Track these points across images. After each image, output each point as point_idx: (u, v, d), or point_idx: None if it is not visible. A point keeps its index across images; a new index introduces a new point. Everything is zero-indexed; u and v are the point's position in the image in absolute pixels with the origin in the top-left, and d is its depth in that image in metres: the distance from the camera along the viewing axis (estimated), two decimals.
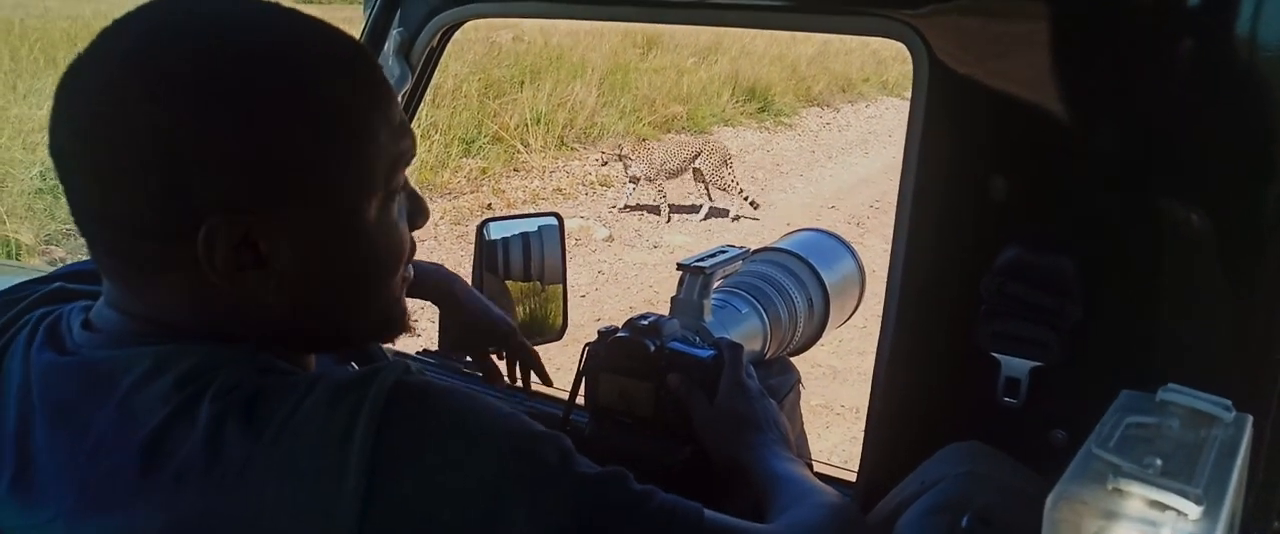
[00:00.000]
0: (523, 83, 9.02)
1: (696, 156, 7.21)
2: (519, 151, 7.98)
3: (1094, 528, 0.50)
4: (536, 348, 1.20)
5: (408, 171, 0.68)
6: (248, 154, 0.59)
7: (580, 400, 1.09)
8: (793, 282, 1.25)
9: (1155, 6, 0.79)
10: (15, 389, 0.65)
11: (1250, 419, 0.58)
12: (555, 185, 7.48)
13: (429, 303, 1.16)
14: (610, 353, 1.04)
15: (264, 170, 0.59)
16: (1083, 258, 0.83)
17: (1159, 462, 0.51)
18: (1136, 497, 0.49)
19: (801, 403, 1.28)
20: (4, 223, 5.33)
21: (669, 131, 9.29)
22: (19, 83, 7.04)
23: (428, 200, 0.70)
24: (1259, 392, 0.77)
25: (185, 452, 0.57)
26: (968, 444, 0.86)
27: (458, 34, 1.36)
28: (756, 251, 1.29)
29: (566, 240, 1.32)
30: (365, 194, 0.63)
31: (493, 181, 7.51)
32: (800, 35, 12.74)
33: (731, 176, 7.21)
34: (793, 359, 1.31)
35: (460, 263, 5.51)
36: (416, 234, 0.72)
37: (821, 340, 1.33)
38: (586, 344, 1.07)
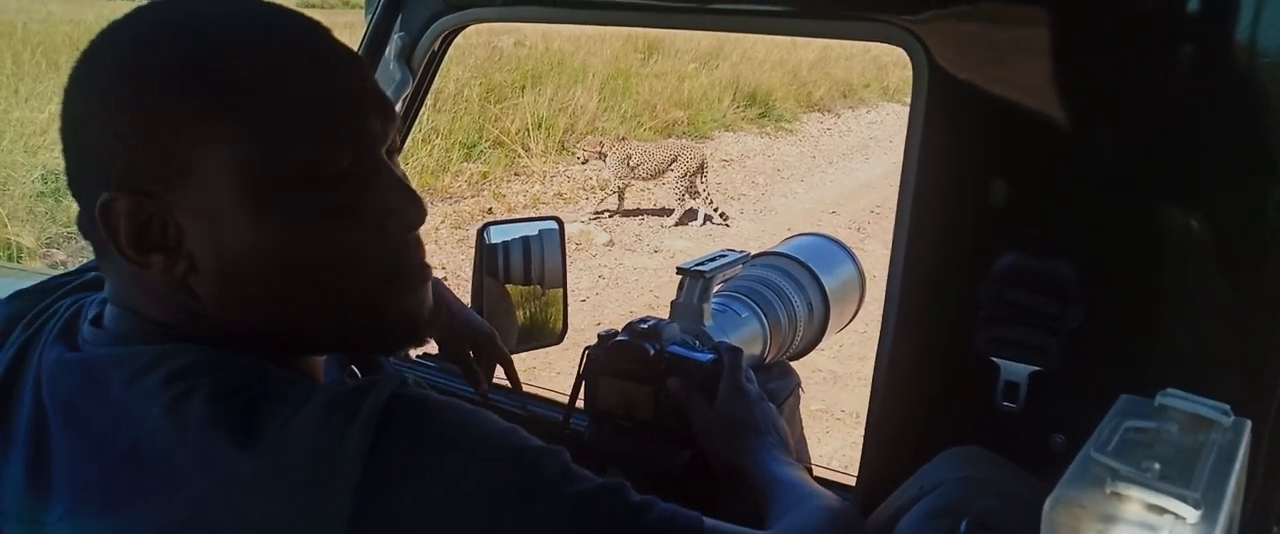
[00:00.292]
0: (524, 87, 9.03)
1: (674, 160, 7.14)
2: (520, 156, 7.99)
3: (1092, 532, 0.50)
4: (535, 351, 1.20)
5: (409, 173, 0.67)
6: (133, 134, 0.59)
7: (580, 404, 1.09)
8: (793, 286, 1.25)
9: (1153, 12, 0.79)
10: (32, 380, 0.66)
11: (1249, 424, 0.58)
12: (556, 190, 7.49)
13: None
14: (610, 357, 1.04)
15: (152, 149, 0.59)
16: (1082, 263, 0.83)
17: (1157, 466, 0.51)
18: (1135, 500, 0.49)
19: (801, 407, 1.28)
20: (5, 226, 5.34)
21: (670, 136, 9.30)
22: (20, 86, 7.05)
23: (427, 204, 0.67)
24: (1257, 396, 0.77)
25: (177, 457, 0.56)
26: (967, 449, 0.86)
27: (459, 38, 1.36)
28: (756, 256, 1.30)
29: (567, 244, 1.32)
30: (269, 176, 0.60)
31: (493, 186, 7.51)
32: (801, 41, 12.75)
33: (703, 184, 7.13)
34: (792, 363, 1.31)
35: (461, 267, 5.51)
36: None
37: (821, 345, 1.33)
38: (586, 348, 1.07)
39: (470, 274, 1.29)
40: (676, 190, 7.09)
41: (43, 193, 5.64)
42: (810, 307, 1.26)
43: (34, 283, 0.76)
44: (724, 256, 1.19)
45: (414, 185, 0.67)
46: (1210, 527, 0.48)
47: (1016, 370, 0.86)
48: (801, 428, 1.27)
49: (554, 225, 1.31)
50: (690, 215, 7.16)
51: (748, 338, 1.17)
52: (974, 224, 0.88)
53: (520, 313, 1.28)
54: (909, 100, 0.90)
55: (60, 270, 0.83)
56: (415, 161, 6.87)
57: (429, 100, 1.37)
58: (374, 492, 0.54)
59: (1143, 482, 0.49)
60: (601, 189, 7.42)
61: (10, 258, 5.17)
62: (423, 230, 0.68)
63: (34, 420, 0.64)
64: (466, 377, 1.13)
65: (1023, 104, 0.83)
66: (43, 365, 0.65)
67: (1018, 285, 0.84)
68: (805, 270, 1.27)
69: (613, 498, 0.61)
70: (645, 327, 1.04)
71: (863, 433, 0.97)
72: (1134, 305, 0.83)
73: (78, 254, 5.16)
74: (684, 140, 8.24)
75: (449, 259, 5.84)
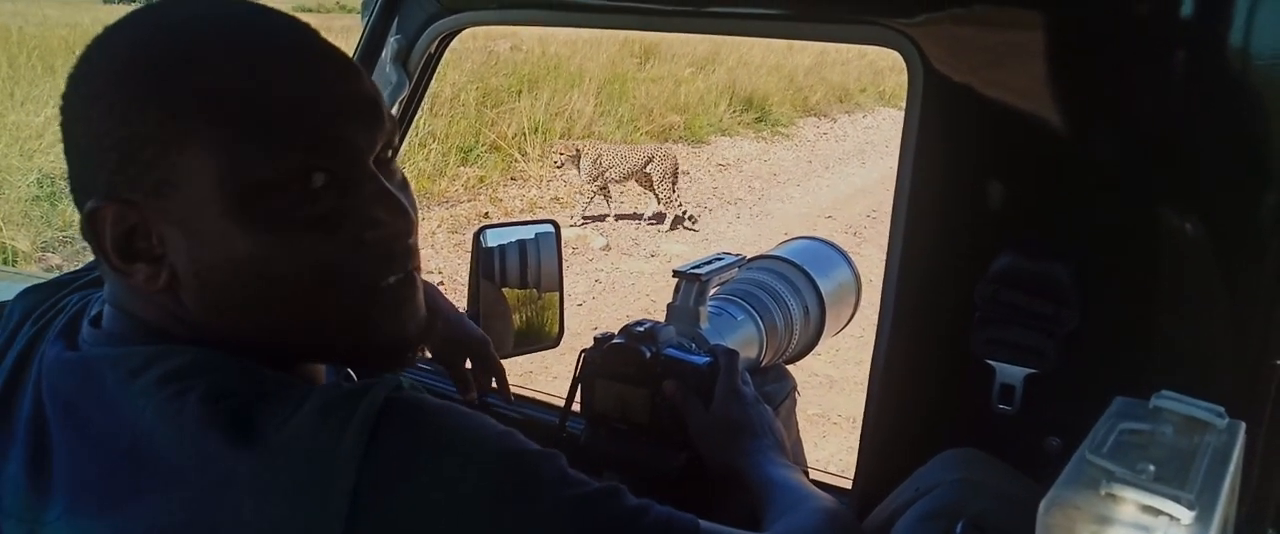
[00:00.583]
0: (520, 92, 9.04)
1: (649, 162, 7.13)
2: (516, 160, 7.99)
3: (1087, 533, 0.50)
4: (530, 355, 1.19)
5: (411, 177, 0.67)
6: (117, 143, 0.59)
7: (576, 407, 1.09)
8: (789, 289, 1.25)
9: (1148, 15, 0.79)
10: (34, 378, 0.66)
11: (1243, 426, 0.58)
12: (552, 194, 7.49)
13: None
14: (606, 359, 1.04)
15: (133, 159, 0.59)
16: (1077, 265, 0.83)
17: (1152, 468, 0.51)
18: (1129, 502, 0.49)
19: (798, 412, 1.28)
20: (1, 230, 5.33)
21: (666, 141, 9.31)
22: (16, 90, 7.05)
23: (424, 209, 0.67)
24: (1252, 398, 0.77)
25: (173, 458, 0.56)
26: (962, 451, 0.86)
27: (456, 43, 1.37)
28: (753, 259, 1.30)
29: (563, 248, 1.32)
30: (249, 188, 0.59)
31: (490, 190, 7.52)
32: (797, 46, 12.79)
33: (670, 187, 7.10)
34: (788, 367, 1.31)
35: (458, 271, 5.51)
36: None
37: (817, 349, 1.33)
38: (582, 351, 1.07)
39: (467, 278, 1.29)
40: (659, 192, 7.10)
41: (38, 196, 5.63)
42: (806, 310, 1.26)
43: (49, 280, 0.77)
44: (720, 260, 1.19)
45: (412, 188, 0.67)
46: (1205, 528, 0.48)
47: (1012, 373, 0.86)
48: (798, 431, 1.27)
49: (550, 229, 1.31)
50: (659, 218, 7.16)
51: (744, 341, 1.17)
52: (969, 227, 0.88)
53: (516, 316, 1.28)
54: (904, 105, 0.90)
55: (55, 274, 0.83)
56: (412, 166, 6.87)
57: (425, 104, 1.37)
58: (370, 494, 0.54)
59: (1138, 483, 0.50)
60: (578, 192, 7.40)
61: (5, 261, 5.16)
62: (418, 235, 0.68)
63: (34, 418, 0.64)
64: (457, 383, 1.13)
65: (1018, 107, 0.84)
66: (43, 363, 0.65)
67: (1013, 288, 0.84)
68: (801, 274, 1.27)
69: (609, 501, 0.61)
70: (641, 329, 1.04)
71: (858, 436, 0.97)
72: (1129, 308, 0.83)
73: (73, 258, 5.15)
74: (657, 143, 8.19)
75: (445, 263, 5.83)
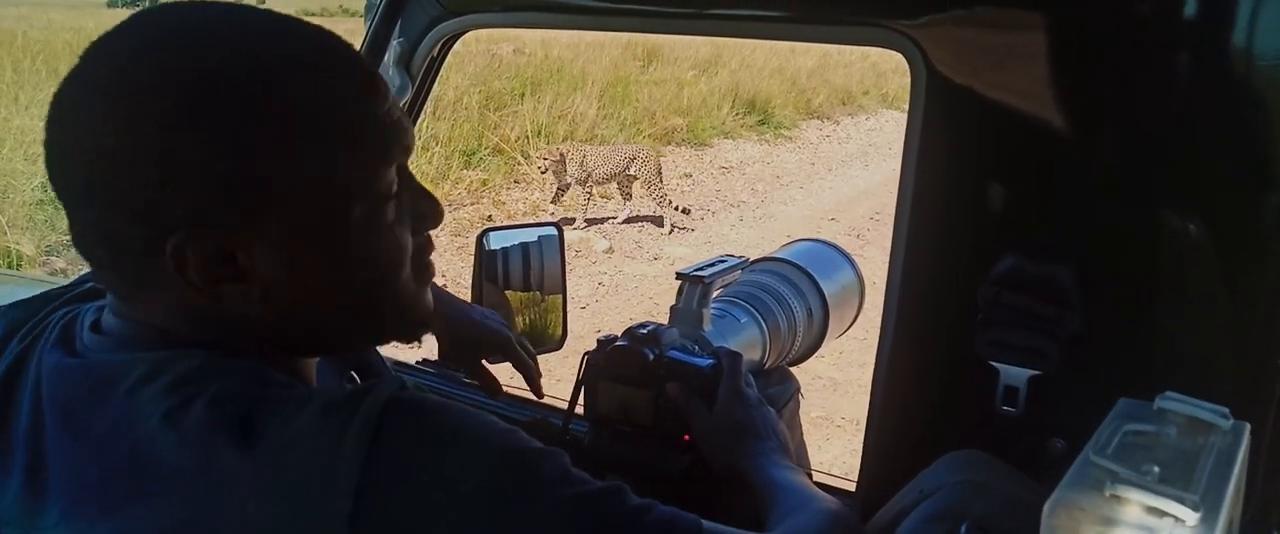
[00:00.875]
0: (523, 95, 9.05)
1: (631, 163, 7.12)
2: (519, 163, 7.99)
3: None
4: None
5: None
6: (210, 168, 0.58)
7: (579, 409, 1.09)
8: (792, 291, 1.25)
9: (1150, 16, 0.79)
10: (30, 388, 0.66)
11: (1248, 427, 0.58)
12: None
13: None
14: (609, 362, 1.04)
15: (228, 184, 0.59)
16: (1080, 266, 0.83)
17: (1157, 469, 0.51)
18: (1134, 503, 0.49)
19: (801, 414, 1.28)
20: (5, 234, 5.34)
21: (669, 143, 9.31)
22: (20, 94, 7.07)
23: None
24: (1257, 399, 0.77)
25: (176, 460, 0.57)
26: (966, 452, 0.86)
27: (458, 46, 1.37)
28: (756, 261, 1.30)
29: (566, 251, 1.32)
30: (345, 199, 0.62)
31: (493, 193, 7.52)
32: (800, 48, 12.80)
33: (658, 184, 7.09)
34: (792, 369, 1.31)
35: (461, 274, 5.51)
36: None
37: (821, 352, 1.33)
38: (586, 353, 1.07)
39: (469, 281, 1.29)
40: (622, 190, 7.10)
41: (42, 201, 5.64)
42: (810, 312, 1.26)
43: (31, 294, 0.75)
44: (723, 262, 1.19)
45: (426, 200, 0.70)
46: (1209, 529, 0.48)
47: (1016, 374, 0.86)
48: (801, 433, 1.27)
49: (553, 231, 1.31)
50: (656, 221, 7.15)
51: (747, 343, 1.17)
52: (973, 228, 0.88)
53: (520, 319, 1.28)
54: (907, 107, 0.90)
55: (60, 278, 0.83)
56: (415, 169, 6.83)
57: (428, 107, 1.37)
58: (373, 493, 0.55)
59: (1142, 484, 0.50)
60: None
61: (10, 266, 5.17)
62: None
63: (31, 428, 0.64)
64: (486, 389, 1.13)
65: (1020, 108, 0.84)
66: (42, 371, 0.65)
67: (1016, 289, 0.84)
68: (805, 276, 1.27)
69: (611, 500, 0.62)
70: (644, 332, 1.04)
71: (862, 438, 0.97)
72: (1133, 309, 0.83)
73: (77, 262, 5.13)
74: (639, 144, 8.16)
75: (448, 266, 5.84)
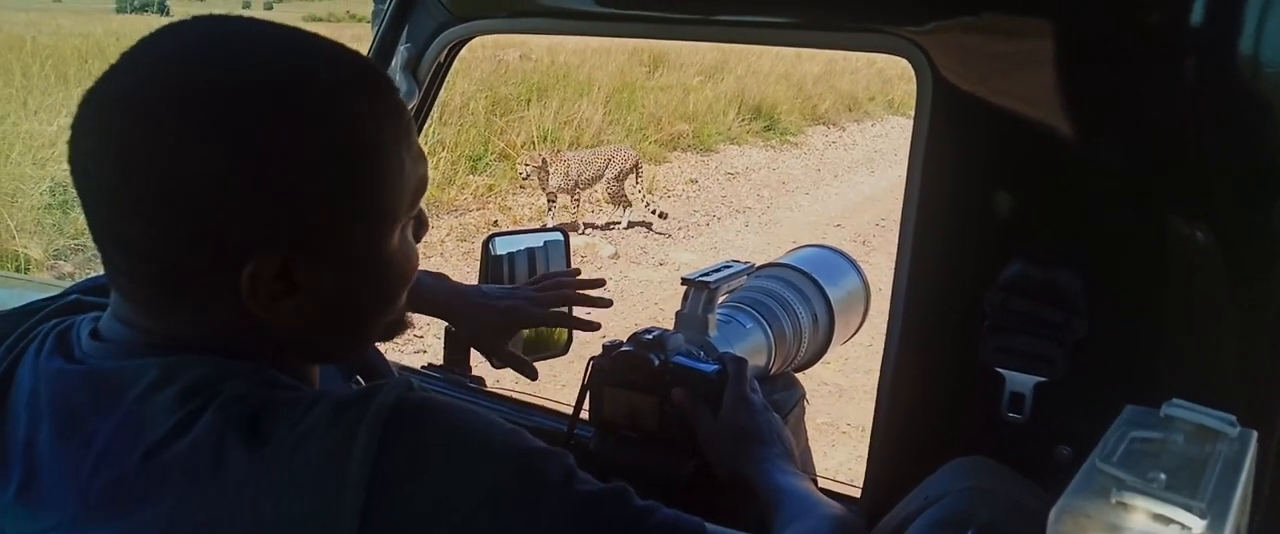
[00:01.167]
0: (529, 100, 9.07)
1: (608, 164, 7.13)
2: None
3: None
4: (540, 363, 1.20)
5: None
6: (288, 193, 0.59)
7: (584, 414, 1.09)
8: (797, 297, 1.25)
9: (1157, 23, 0.79)
10: (25, 397, 0.65)
11: (1255, 434, 0.58)
12: (561, 202, 7.50)
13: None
14: (615, 367, 1.04)
15: (304, 207, 0.60)
16: (1087, 273, 0.83)
17: (1163, 476, 0.51)
18: (1140, 510, 0.49)
19: (806, 420, 1.28)
20: (14, 237, 5.36)
21: (675, 149, 9.32)
22: (29, 99, 7.10)
23: (434, 217, 0.70)
24: (1264, 407, 0.76)
25: (186, 463, 0.57)
26: (972, 459, 0.86)
27: (465, 52, 1.37)
28: (761, 267, 1.30)
29: (572, 257, 1.33)
30: (392, 220, 0.65)
31: (499, 198, 7.53)
32: (806, 54, 12.80)
33: (634, 182, 7.12)
34: (797, 375, 1.31)
35: (465, 279, 5.51)
36: (420, 247, 0.73)
37: (826, 358, 1.33)
38: (591, 358, 1.07)
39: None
40: (610, 191, 7.12)
41: (51, 205, 5.66)
42: (815, 318, 1.26)
43: (15, 307, 0.74)
44: (729, 267, 1.19)
45: (425, 210, 0.72)
46: None
47: (1022, 381, 0.86)
48: (806, 439, 1.27)
49: (559, 237, 1.31)
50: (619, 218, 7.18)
51: (752, 349, 1.17)
52: (979, 235, 0.88)
53: None
54: (913, 113, 0.90)
55: (67, 282, 0.83)
56: (425, 192, 6.86)
57: (435, 113, 1.38)
58: (381, 492, 0.56)
59: (1148, 492, 0.49)
60: (550, 200, 7.31)
61: (18, 269, 5.19)
62: (425, 240, 0.73)
63: (28, 436, 0.64)
64: (518, 367, 1.17)
65: (1027, 115, 0.84)
66: (40, 378, 0.65)
67: (1023, 296, 0.84)
68: (810, 282, 1.27)
69: (616, 501, 0.62)
70: (650, 337, 1.04)
71: (867, 444, 0.97)
72: (1139, 316, 0.83)
73: (85, 266, 5.18)
74: (616, 145, 8.14)
75: (454, 271, 5.84)
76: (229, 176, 0.58)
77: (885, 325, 0.94)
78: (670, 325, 1.13)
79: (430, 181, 0.71)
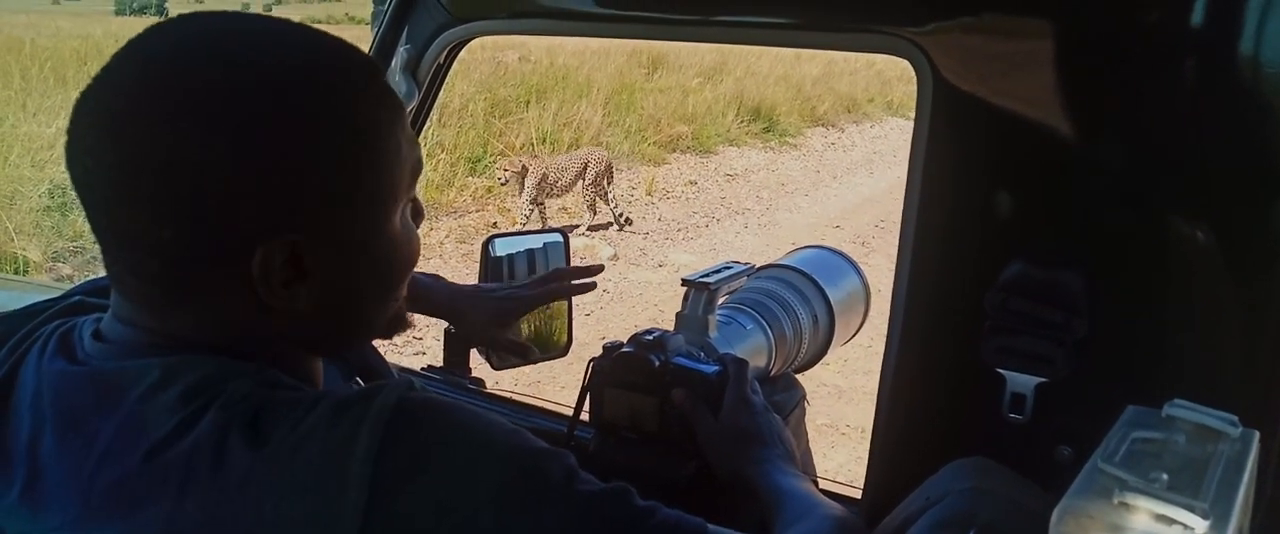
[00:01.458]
0: (528, 102, 9.07)
1: (584, 168, 7.11)
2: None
3: None
4: (539, 364, 1.20)
5: (419, 186, 0.70)
6: (293, 179, 0.60)
7: (585, 416, 1.09)
8: (798, 298, 1.25)
9: (1158, 23, 0.79)
10: (29, 398, 0.65)
11: (1257, 434, 0.58)
12: (561, 204, 7.50)
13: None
14: (615, 368, 1.04)
15: (308, 192, 0.61)
16: (1088, 273, 0.83)
17: (1165, 477, 0.51)
18: (1142, 511, 0.49)
19: (806, 421, 1.28)
20: (12, 240, 5.36)
21: (675, 151, 9.32)
22: (28, 101, 7.10)
23: (433, 218, 0.71)
24: (1266, 407, 0.76)
25: (188, 463, 0.57)
26: (973, 460, 0.86)
27: (464, 54, 1.37)
28: (761, 268, 1.30)
29: (572, 258, 1.33)
30: (392, 202, 0.66)
31: (498, 200, 7.53)
32: (805, 55, 12.82)
33: (606, 185, 7.12)
34: (797, 375, 1.31)
35: (464, 281, 5.51)
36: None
37: (826, 359, 1.33)
38: (591, 359, 1.07)
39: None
40: (586, 197, 7.12)
41: (49, 207, 5.65)
42: (815, 319, 1.26)
43: (18, 308, 0.74)
44: (729, 268, 1.19)
45: (421, 200, 0.73)
46: None
47: (1023, 381, 0.86)
48: (807, 440, 1.27)
49: (558, 238, 1.31)
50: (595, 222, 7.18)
51: (753, 350, 1.17)
52: (979, 235, 0.88)
53: (525, 326, 1.28)
54: (913, 115, 0.90)
55: (66, 284, 0.83)
56: (420, 176, 6.87)
57: (434, 114, 1.38)
58: (383, 491, 0.56)
59: (1150, 492, 0.49)
60: (531, 204, 7.23)
61: (16, 271, 5.18)
62: (425, 242, 0.73)
63: (31, 437, 0.64)
64: (519, 354, 1.20)
65: (1027, 115, 0.84)
66: (43, 379, 0.65)
67: (1023, 296, 0.84)
68: (810, 282, 1.27)
69: (617, 501, 0.62)
70: (650, 338, 1.04)
71: (868, 445, 0.97)
72: (1140, 316, 0.82)
73: (83, 268, 5.18)
74: (591, 148, 8.07)
75: (453, 273, 5.84)
76: (230, 166, 0.58)
77: (885, 326, 0.94)
78: (671, 327, 1.13)
79: (429, 184, 0.71)
